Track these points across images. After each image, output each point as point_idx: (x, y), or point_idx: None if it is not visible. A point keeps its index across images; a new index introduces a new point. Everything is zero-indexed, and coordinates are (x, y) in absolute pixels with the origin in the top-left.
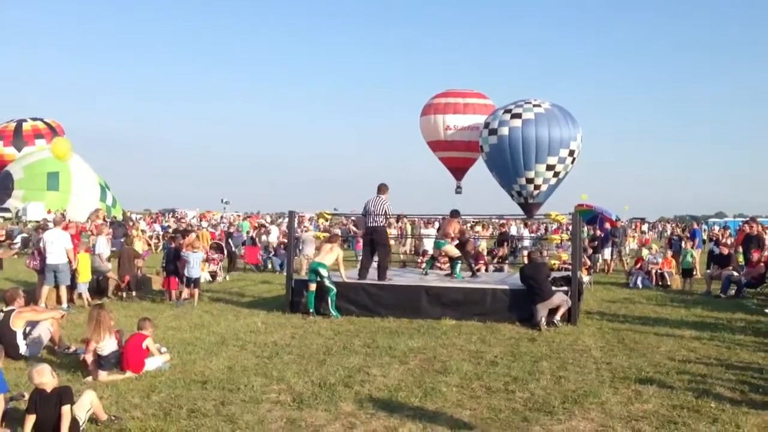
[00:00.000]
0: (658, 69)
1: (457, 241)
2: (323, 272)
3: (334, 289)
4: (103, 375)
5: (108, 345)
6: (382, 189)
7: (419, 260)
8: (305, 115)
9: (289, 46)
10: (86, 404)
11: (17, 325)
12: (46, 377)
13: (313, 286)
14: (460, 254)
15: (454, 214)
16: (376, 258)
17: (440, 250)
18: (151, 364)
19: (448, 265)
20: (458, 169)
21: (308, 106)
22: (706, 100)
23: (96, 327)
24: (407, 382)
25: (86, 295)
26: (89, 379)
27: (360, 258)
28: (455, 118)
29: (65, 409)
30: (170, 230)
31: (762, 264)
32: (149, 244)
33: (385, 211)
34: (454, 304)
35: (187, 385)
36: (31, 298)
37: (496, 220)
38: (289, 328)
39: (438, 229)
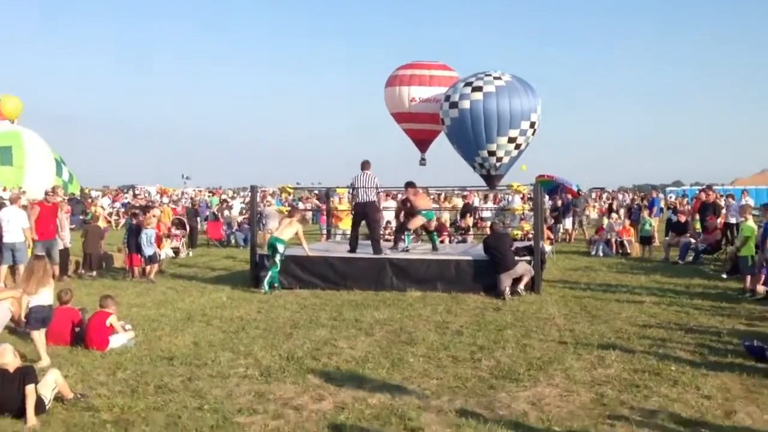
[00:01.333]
0: (615, 36)
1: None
2: (280, 248)
3: (278, 267)
4: (34, 334)
5: (37, 298)
6: (366, 165)
7: (382, 232)
8: (265, 87)
9: (248, 12)
10: (51, 383)
11: None
12: (8, 357)
13: (270, 261)
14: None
15: (411, 185)
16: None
17: (429, 221)
18: (116, 341)
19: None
20: (423, 141)
21: (269, 78)
22: (662, 69)
23: (27, 277)
24: (374, 353)
25: None
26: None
27: (323, 231)
28: (420, 90)
29: (29, 388)
30: (130, 207)
31: (718, 231)
32: (109, 221)
33: (376, 185)
34: (418, 275)
35: (153, 361)
36: None
37: (459, 192)
38: (255, 303)
39: (405, 202)
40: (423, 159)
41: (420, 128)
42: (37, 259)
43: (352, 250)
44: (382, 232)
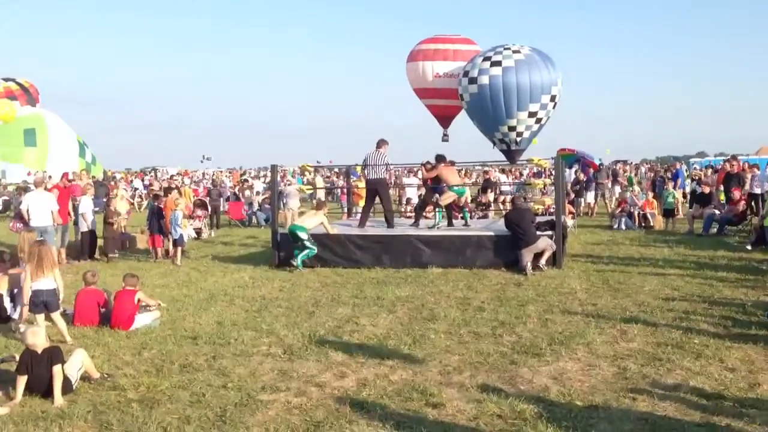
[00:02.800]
0: (637, 10)
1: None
2: (302, 235)
3: (315, 250)
4: (39, 318)
5: (40, 283)
6: (380, 144)
7: (403, 210)
8: (285, 68)
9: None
10: (77, 363)
11: (2, 287)
12: (40, 339)
13: (298, 244)
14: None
15: (442, 158)
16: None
17: (460, 197)
18: (141, 321)
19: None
20: (445, 117)
21: (288, 59)
22: (685, 39)
23: (34, 262)
24: (396, 330)
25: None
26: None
27: (345, 209)
28: (445, 65)
29: (56, 368)
30: (152, 188)
31: (743, 202)
32: (131, 203)
33: (387, 163)
34: (440, 252)
35: (177, 341)
36: (17, 262)
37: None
38: (277, 282)
39: (427, 179)
40: (446, 135)
41: (443, 104)
42: (40, 243)
43: (361, 225)
44: (403, 209)
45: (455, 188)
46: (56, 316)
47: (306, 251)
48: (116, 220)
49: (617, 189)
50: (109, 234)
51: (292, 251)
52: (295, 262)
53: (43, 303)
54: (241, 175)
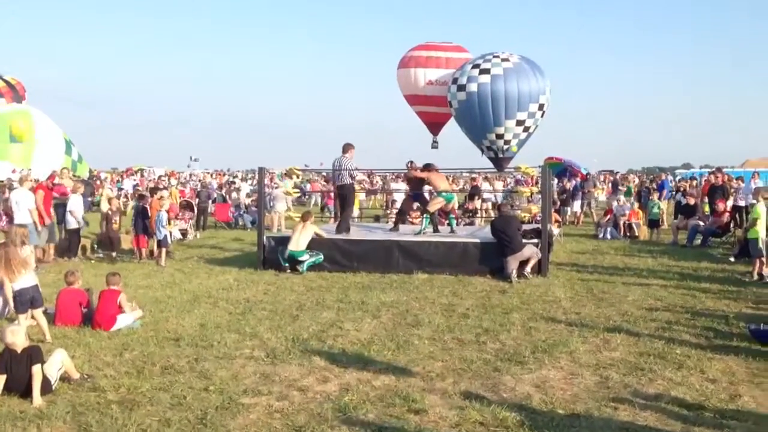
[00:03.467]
0: (627, 21)
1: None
2: (303, 258)
3: (321, 256)
4: (21, 318)
5: (19, 282)
6: (345, 148)
7: (388, 213)
8: (274, 69)
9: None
10: (57, 363)
11: None
12: (20, 338)
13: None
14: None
15: (430, 166)
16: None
17: (449, 203)
18: (123, 321)
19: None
20: (435, 124)
21: (276, 60)
22: (672, 51)
23: (7, 265)
24: (380, 335)
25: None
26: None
27: (331, 214)
28: (436, 73)
29: (36, 368)
30: (138, 188)
31: (727, 214)
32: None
33: (348, 168)
34: (425, 258)
35: (159, 342)
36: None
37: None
38: (262, 285)
39: (414, 182)
40: (435, 142)
41: (433, 111)
42: (4, 246)
43: (338, 230)
44: (391, 214)
45: (444, 194)
46: (39, 313)
47: (313, 260)
48: (115, 219)
49: (622, 198)
50: (112, 234)
51: (277, 254)
52: (300, 268)
53: (30, 300)
54: (222, 176)
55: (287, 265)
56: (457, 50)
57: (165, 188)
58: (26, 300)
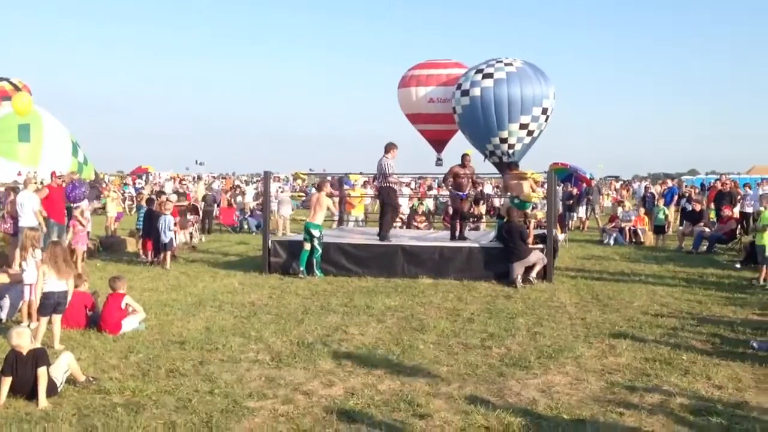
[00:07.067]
0: (631, 23)
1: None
2: (315, 233)
3: (320, 251)
4: (43, 320)
5: (59, 284)
6: (386, 148)
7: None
8: (281, 74)
9: (267, 7)
10: (63, 366)
11: None
12: (25, 340)
13: (307, 246)
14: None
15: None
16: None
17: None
18: (128, 325)
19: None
20: (439, 141)
21: (284, 66)
22: (678, 56)
23: (53, 262)
24: (385, 339)
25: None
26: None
27: (335, 217)
28: (438, 91)
29: (41, 370)
30: (144, 191)
31: (733, 220)
32: (122, 207)
33: (384, 170)
34: (430, 262)
35: (165, 345)
36: (4, 261)
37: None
38: (267, 289)
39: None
40: (440, 159)
41: (437, 129)
42: (58, 244)
43: (381, 238)
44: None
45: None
46: (58, 319)
47: (315, 256)
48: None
49: (627, 204)
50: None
51: (282, 258)
52: (318, 273)
53: (55, 305)
54: (230, 180)
55: (303, 239)
56: (456, 66)
57: (185, 194)
58: (52, 303)
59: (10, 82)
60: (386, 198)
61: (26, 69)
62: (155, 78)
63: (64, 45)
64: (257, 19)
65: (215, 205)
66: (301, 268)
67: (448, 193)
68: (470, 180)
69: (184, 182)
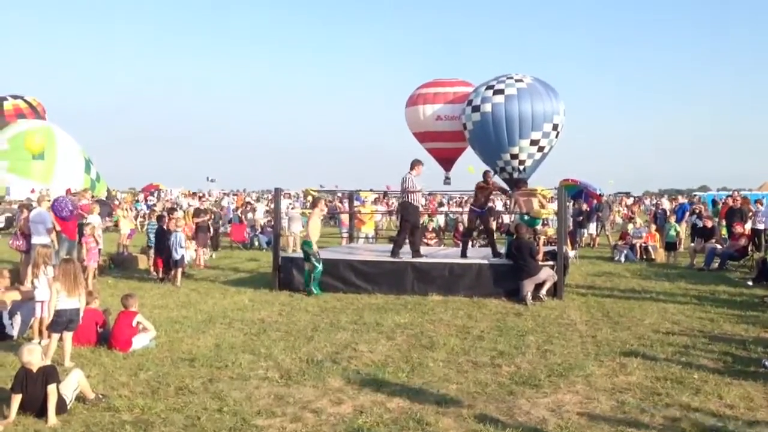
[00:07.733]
0: (642, 39)
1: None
2: (308, 249)
3: (319, 267)
4: (54, 337)
5: (71, 302)
6: (411, 164)
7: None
8: (292, 92)
9: (276, 21)
10: (73, 383)
11: (1, 305)
12: (35, 357)
13: (308, 265)
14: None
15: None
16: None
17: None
18: (138, 342)
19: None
20: (447, 160)
21: (295, 82)
22: (688, 72)
23: (65, 279)
24: (394, 357)
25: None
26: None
27: (344, 234)
28: (446, 108)
29: (51, 388)
30: (156, 208)
31: (745, 237)
32: (134, 224)
33: (406, 185)
34: (440, 279)
35: (174, 362)
36: (16, 278)
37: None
38: (277, 306)
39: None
40: (448, 178)
41: (445, 147)
42: (70, 261)
43: (393, 254)
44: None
45: (532, 220)
46: (69, 336)
47: (314, 273)
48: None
49: (639, 221)
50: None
51: (292, 275)
52: (314, 290)
53: (67, 322)
54: (241, 197)
55: (303, 258)
56: (463, 84)
57: (206, 210)
58: (64, 321)
59: (25, 101)
60: (405, 214)
61: (27, 69)
62: (167, 91)
63: (64, 45)
64: (277, 29)
65: (220, 222)
66: (307, 288)
67: (457, 209)
68: (487, 197)
69: (204, 199)
